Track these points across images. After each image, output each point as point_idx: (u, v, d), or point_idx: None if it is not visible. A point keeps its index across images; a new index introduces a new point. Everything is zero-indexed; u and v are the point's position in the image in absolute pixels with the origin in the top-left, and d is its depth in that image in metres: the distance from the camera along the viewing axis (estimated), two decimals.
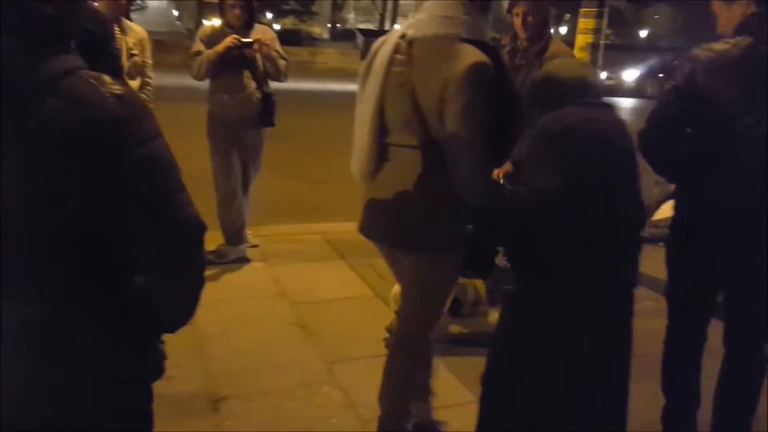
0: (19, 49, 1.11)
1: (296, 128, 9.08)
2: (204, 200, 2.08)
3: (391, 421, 2.35)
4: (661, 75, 18.06)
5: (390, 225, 2.21)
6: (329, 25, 48.11)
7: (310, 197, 6.60)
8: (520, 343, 2.03)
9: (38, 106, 1.09)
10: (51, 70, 1.11)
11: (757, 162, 2.18)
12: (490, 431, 2.15)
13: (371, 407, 2.48)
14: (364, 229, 2.34)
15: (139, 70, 3.95)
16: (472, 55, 1.97)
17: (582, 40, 5.16)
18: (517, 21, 3.27)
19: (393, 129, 2.14)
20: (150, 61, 4.07)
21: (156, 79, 4.18)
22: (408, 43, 2.08)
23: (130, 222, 1.17)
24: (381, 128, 2.15)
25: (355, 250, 4.65)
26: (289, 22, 45.61)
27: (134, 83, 3.84)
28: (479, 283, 3.57)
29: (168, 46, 20.89)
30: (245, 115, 4.28)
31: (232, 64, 4.18)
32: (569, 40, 5.28)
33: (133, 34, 3.96)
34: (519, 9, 3.26)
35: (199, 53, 4.21)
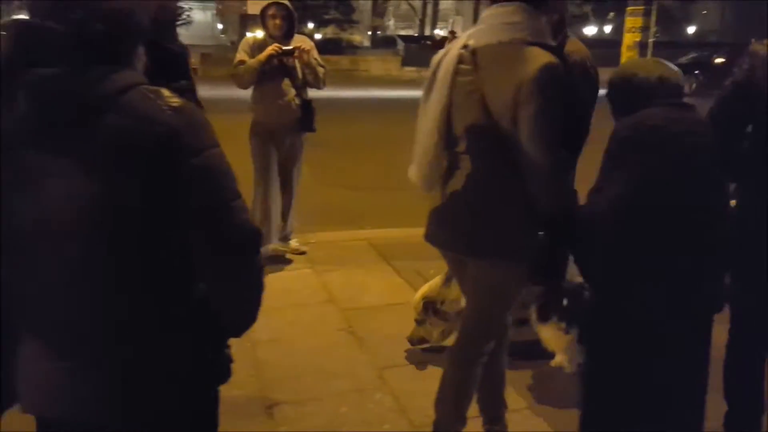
0: (77, 67, 1.16)
1: (340, 136, 9.14)
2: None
3: (447, 426, 2.34)
4: (696, 72, 17.48)
5: (458, 231, 2.19)
6: (370, 33, 48.41)
7: (356, 204, 6.63)
8: (612, 362, 1.96)
9: (99, 120, 1.14)
10: (110, 86, 1.16)
11: None
12: None
13: (423, 413, 2.48)
14: (430, 237, 2.32)
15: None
16: (542, 56, 1.96)
17: (630, 38, 5.09)
18: None
19: (462, 138, 2.13)
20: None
21: (205, 91, 4.27)
22: (471, 53, 2.07)
23: (190, 229, 1.20)
24: (448, 138, 2.15)
25: (401, 256, 4.66)
26: (330, 31, 46.02)
27: None
28: None
29: (214, 60, 21.40)
30: (285, 121, 4.46)
31: (273, 72, 4.38)
32: (614, 40, 5.20)
33: None
34: None
35: (242, 62, 4.39)
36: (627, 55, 4.58)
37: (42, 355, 1.24)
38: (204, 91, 4.31)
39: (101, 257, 1.18)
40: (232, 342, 1.41)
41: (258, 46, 4.41)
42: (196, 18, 44.25)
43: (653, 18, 4.81)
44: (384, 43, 41.85)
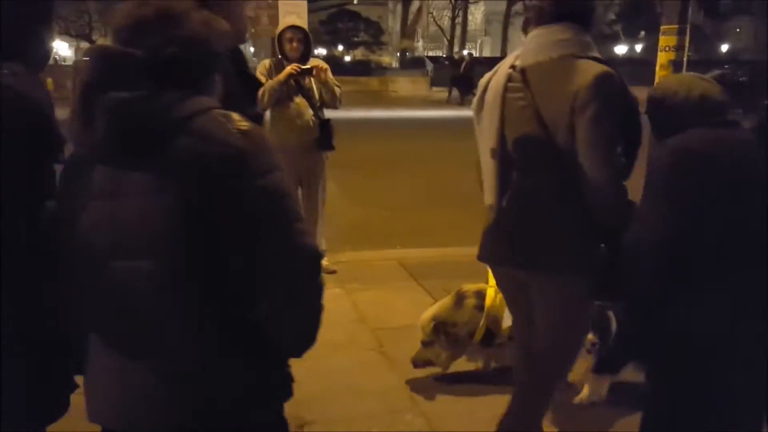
0: (153, 91, 1.20)
1: (369, 156, 9.17)
2: None
3: None
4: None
5: (519, 246, 2.13)
6: (398, 54, 48.85)
7: (386, 223, 6.64)
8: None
9: (171, 143, 1.18)
10: (183, 110, 1.20)
11: None
12: None
13: None
14: (486, 255, 2.27)
15: None
16: (596, 66, 1.94)
17: (664, 57, 5.03)
18: None
19: (517, 153, 2.10)
20: None
21: None
22: (521, 72, 2.06)
23: (252, 250, 1.22)
24: (505, 157, 2.11)
25: (431, 276, 4.64)
26: (360, 53, 46.62)
27: None
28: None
29: None
30: (304, 141, 4.56)
31: (291, 93, 4.51)
32: (645, 59, 5.16)
33: None
34: None
35: (261, 84, 4.45)
36: (660, 74, 4.52)
37: (110, 368, 1.27)
38: None
39: (171, 274, 1.20)
40: None
41: (274, 68, 4.53)
42: None
43: (687, 37, 4.77)
44: (413, 64, 42.21)
